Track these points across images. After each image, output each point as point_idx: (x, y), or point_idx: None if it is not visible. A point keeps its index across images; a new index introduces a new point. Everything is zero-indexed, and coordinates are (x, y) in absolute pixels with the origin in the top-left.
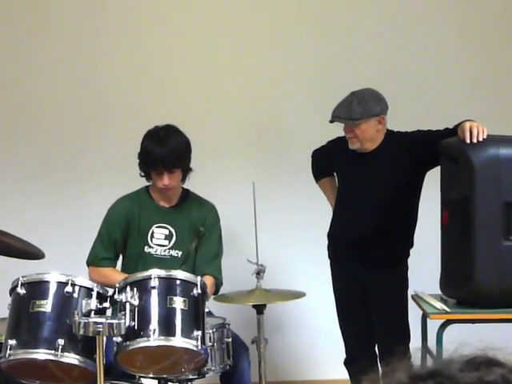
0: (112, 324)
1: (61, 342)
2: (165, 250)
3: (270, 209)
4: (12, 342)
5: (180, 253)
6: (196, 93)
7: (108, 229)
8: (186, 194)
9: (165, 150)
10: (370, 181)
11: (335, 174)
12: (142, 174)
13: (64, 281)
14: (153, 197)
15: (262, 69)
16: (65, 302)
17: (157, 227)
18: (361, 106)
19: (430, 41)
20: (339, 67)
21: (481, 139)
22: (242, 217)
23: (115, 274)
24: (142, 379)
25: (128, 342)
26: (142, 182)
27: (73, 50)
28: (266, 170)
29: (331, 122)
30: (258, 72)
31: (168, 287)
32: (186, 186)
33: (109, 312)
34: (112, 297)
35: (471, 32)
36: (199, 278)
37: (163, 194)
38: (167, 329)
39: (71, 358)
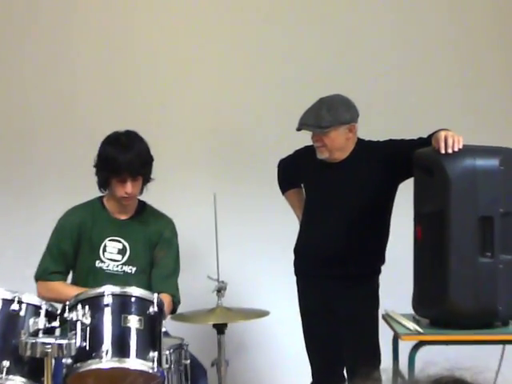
0: (61, 344)
1: (6, 363)
2: (117, 266)
3: (232, 222)
4: None
5: (134, 269)
6: (151, 98)
7: (58, 240)
8: (142, 207)
9: (130, 156)
10: (339, 193)
11: (303, 185)
12: (99, 182)
13: (10, 298)
14: (107, 208)
15: (223, 75)
16: (10, 320)
17: (110, 240)
18: (330, 113)
19: (407, 46)
20: (307, 73)
21: (456, 149)
22: (202, 230)
23: (66, 288)
24: None
25: (79, 364)
26: (97, 191)
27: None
28: (227, 181)
29: (298, 129)
30: (219, 78)
31: (122, 305)
32: (141, 198)
33: (58, 332)
34: (62, 315)
35: (458, 35)
36: (156, 295)
37: (121, 205)
38: (121, 349)
39: (17, 382)
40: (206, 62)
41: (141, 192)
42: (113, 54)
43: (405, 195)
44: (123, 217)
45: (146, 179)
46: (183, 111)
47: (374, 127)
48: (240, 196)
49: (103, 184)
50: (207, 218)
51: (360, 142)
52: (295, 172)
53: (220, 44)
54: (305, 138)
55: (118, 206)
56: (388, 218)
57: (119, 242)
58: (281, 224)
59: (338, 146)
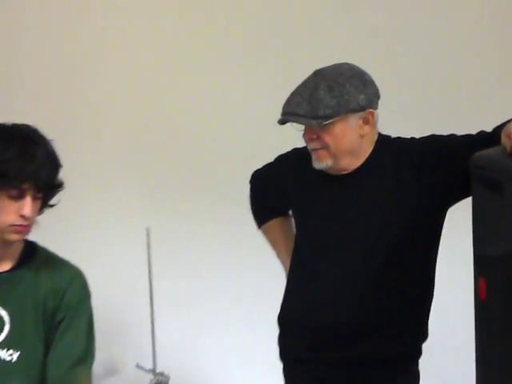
0: None
1: None
2: None
3: (174, 273)
4: None
5: (16, 354)
6: (63, 100)
7: None
8: (31, 252)
9: (35, 165)
10: (350, 224)
11: (291, 212)
12: None
13: None
14: None
15: (157, 76)
16: None
17: None
18: (332, 93)
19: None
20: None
21: None
22: (128, 287)
23: None
24: None
25: None
26: None
27: None
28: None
29: (282, 122)
30: (152, 78)
31: None
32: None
33: None
34: None
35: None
36: None
37: (6, 242)
38: None
39: None
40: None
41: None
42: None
43: (456, 221)
44: (0, 267)
45: (45, 202)
46: (104, 116)
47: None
48: (184, 232)
49: None
50: (137, 266)
51: (383, 140)
52: (279, 191)
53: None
54: (292, 137)
55: None
56: (432, 266)
57: None
58: (249, 275)
59: (347, 147)
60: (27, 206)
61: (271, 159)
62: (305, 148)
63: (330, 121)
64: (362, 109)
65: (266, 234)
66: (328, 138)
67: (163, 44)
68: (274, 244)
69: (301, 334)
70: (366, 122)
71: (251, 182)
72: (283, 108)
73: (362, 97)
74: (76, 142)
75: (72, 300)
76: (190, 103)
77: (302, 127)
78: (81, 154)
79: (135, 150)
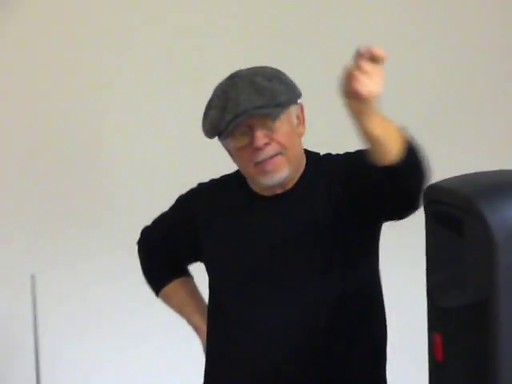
0: None
1: None
2: None
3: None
4: None
5: None
6: None
7: None
8: None
9: None
10: (283, 255)
11: (204, 258)
12: None
13: None
14: None
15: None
16: None
17: None
18: (274, 81)
19: None
20: None
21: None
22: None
23: None
24: None
25: None
26: None
27: None
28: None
29: (214, 135)
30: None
31: None
32: None
33: None
34: None
35: None
36: None
37: None
38: None
39: None
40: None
41: None
42: None
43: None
44: None
45: None
46: None
47: None
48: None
49: None
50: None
51: (309, 154)
52: (182, 239)
53: None
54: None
55: None
56: (377, 291)
57: None
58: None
59: (298, 149)
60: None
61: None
62: (210, 181)
63: (287, 109)
64: (297, 99)
65: (169, 298)
66: (283, 138)
67: None
68: (181, 307)
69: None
70: (299, 119)
71: (139, 242)
72: (221, 115)
73: (296, 88)
74: None
75: None
76: None
77: (241, 142)
78: None
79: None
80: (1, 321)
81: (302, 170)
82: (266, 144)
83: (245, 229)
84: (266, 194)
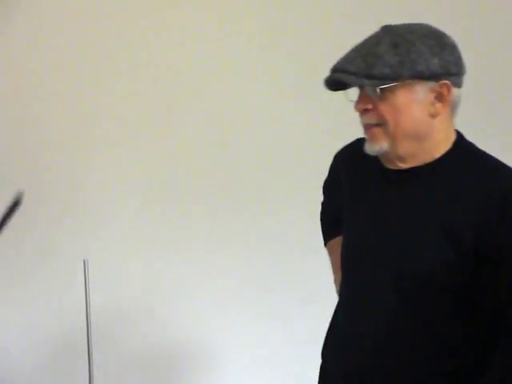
0: None
1: None
2: None
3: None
4: None
5: None
6: None
7: None
8: None
9: None
10: (392, 239)
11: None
12: None
13: None
14: None
15: None
16: None
17: None
18: (397, 50)
19: None
20: None
21: None
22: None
23: None
24: None
25: None
26: None
27: None
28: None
29: (329, 84)
30: None
31: None
32: None
33: None
34: None
35: None
36: None
37: None
38: None
39: None
40: None
41: None
42: None
43: None
44: None
45: None
46: None
47: None
48: None
49: None
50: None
51: (465, 146)
52: (340, 195)
53: None
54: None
55: None
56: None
57: None
58: None
59: (411, 126)
60: None
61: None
62: (359, 141)
63: (388, 85)
64: (434, 77)
65: (331, 253)
66: (386, 110)
67: None
68: (335, 268)
69: (335, 378)
70: (439, 97)
71: (323, 192)
72: (333, 65)
73: (435, 60)
74: None
75: None
76: None
77: (356, 95)
78: None
79: None
80: (54, 306)
81: (436, 153)
82: (366, 110)
83: (370, 202)
84: (388, 166)
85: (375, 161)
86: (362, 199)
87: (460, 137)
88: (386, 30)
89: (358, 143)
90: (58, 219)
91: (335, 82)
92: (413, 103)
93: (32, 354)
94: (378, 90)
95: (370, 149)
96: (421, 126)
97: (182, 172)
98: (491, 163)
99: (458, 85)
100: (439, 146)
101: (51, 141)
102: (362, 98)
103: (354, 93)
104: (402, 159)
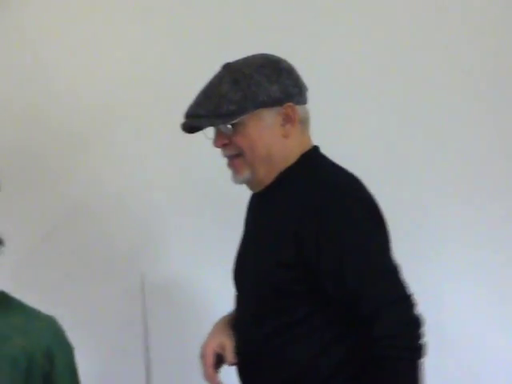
0: None
1: None
2: None
3: None
4: None
5: None
6: None
7: None
8: None
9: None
10: (250, 252)
11: None
12: None
13: None
14: None
15: None
16: None
17: None
18: (238, 86)
19: None
20: None
21: None
22: None
23: None
24: None
25: None
26: None
27: None
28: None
29: (187, 130)
30: None
31: None
32: None
33: None
34: None
35: None
36: None
37: None
38: None
39: None
40: None
41: None
42: None
43: None
44: None
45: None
46: None
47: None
48: None
49: None
50: None
51: (310, 156)
52: None
53: None
54: None
55: None
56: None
57: None
58: None
59: (265, 152)
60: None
61: None
62: None
63: (237, 120)
64: (277, 102)
65: None
66: (241, 141)
67: None
68: None
69: None
70: (287, 119)
71: None
72: (185, 111)
73: (274, 88)
74: None
75: (57, 360)
76: None
77: (213, 134)
78: None
79: None
80: (111, 319)
81: (292, 161)
82: (225, 145)
83: (246, 227)
84: (256, 191)
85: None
86: (244, 229)
87: (311, 150)
88: (226, 68)
89: None
90: (113, 231)
91: (190, 127)
92: (263, 130)
93: (89, 367)
94: (229, 126)
95: (236, 179)
96: (275, 149)
97: None
98: (322, 176)
99: (303, 102)
100: (295, 155)
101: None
102: (218, 135)
103: (211, 131)
104: (263, 182)
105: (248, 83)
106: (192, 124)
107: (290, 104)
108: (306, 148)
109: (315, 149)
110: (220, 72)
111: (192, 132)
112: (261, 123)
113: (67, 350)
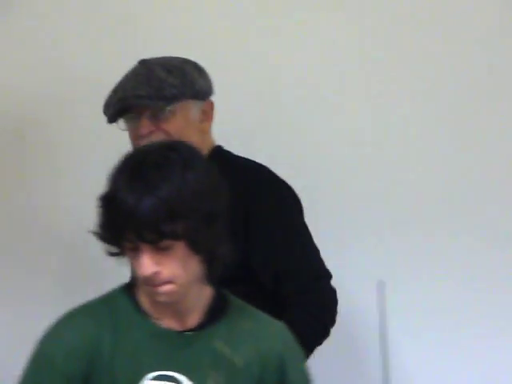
0: None
1: None
2: None
3: None
4: None
5: None
6: None
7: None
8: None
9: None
10: None
11: None
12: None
13: None
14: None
15: None
16: None
17: (154, 379)
18: (173, 74)
19: None
20: None
21: None
22: None
23: None
24: None
25: None
26: None
27: None
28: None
29: (116, 114)
30: None
31: None
32: None
33: None
34: None
35: None
36: None
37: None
38: None
39: None
40: None
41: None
42: None
43: None
44: (181, 325)
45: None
46: None
47: None
48: None
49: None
50: None
51: (219, 151)
52: None
53: None
54: None
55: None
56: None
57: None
58: None
59: (194, 142)
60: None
61: None
62: None
63: (177, 104)
64: (205, 96)
65: None
66: (170, 128)
67: None
68: None
69: None
70: (205, 115)
71: None
72: (111, 98)
73: (202, 82)
74: None
75: (286, 357)
76: None
77: (131, 126)
78: None
79: None
80: (346, 329)
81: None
82: (151, 132)
83: None
84: None
85: None
86: None
87: (219, 146)
88: (148, 62)
89: None
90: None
91: (123, 110)
92: (188, 121)
93: None
94: (167, 110)
95: None
96: (196, 143)
97: None
98: (243, 162)
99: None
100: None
101: None
102: (144, 123)
103: (122, 124)
104: None
105: (182, 72)
106: (132, 104)
107: (211, 101)
108: (213, 146)
109: (220, 146)
110: (142, 66)
111: (113, 121)
112: (188, 114)
113: (298, 357)
